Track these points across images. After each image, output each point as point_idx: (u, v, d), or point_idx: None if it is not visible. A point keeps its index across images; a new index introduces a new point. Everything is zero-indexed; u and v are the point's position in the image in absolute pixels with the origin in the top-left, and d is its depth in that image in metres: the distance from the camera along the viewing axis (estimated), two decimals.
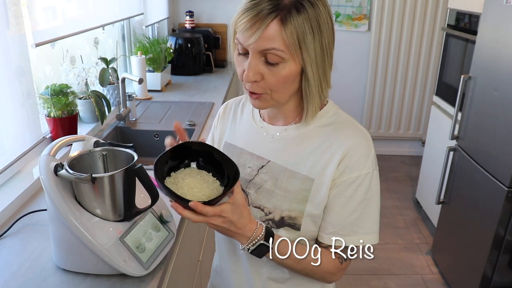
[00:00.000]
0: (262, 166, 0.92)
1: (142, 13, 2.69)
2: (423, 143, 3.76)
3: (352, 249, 0.87)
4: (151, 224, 1.08)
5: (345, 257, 0.87)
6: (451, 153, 2.37)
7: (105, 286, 0.98)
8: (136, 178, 1.01)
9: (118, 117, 1.98)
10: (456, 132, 2.32)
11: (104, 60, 2.07)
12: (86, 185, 0.97)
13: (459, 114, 2.31)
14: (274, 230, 0.89)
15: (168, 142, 0.91)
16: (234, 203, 0.80)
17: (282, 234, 0.89)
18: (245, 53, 0.80)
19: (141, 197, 1.05)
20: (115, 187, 0.99)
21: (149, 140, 2.04)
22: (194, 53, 3.08)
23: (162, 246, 1.08)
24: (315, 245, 0.88)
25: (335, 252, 0.87)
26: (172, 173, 0.87)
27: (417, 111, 3.90)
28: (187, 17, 3.36)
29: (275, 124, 0.93)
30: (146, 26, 2.80)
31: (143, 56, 2.48)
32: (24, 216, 1.24)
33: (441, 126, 2.75)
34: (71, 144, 1.09)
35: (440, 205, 2.52)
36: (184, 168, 0.88)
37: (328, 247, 0.88)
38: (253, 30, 0.75)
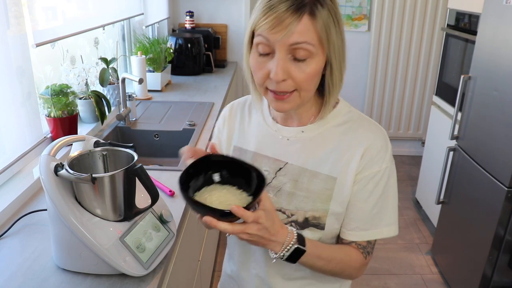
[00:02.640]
0: (280, 169, 0.91)
1: (142, 13, 2.70)
2: (423, 143, 3.76)
3: (373, 244, 0.91)
4: (151, 224, 1.08)
5: (369, 251, 0.91)
6: (451, 153, 2.37)
7: (105, 286, 0.98)
8: (136, 178, 1.01)
9: (118, 117, 1.98)
10: (456, 132, 2.32)
11: (104, 60, 2.07)
12: (86, 185, 0.97)
13: (459, 114, 2.32)
14: (298, 230, 0.89)
15: (186, 154, 0.86)
16: (266, 210, 0.77)
17: (307, 234, 0.89)
18: (268, 54, 0.79)
19: (141, 197, 1.05)
20: (115, 187, 0.99)
21: (149, 140, 2.04)
22: (194, 53, 3.08)
23: (162, 246, 1.08)
24: (342, 244, 0.92)
25: (359, 247, 0.90)
26: (197, 193, 0.83)
27: (417, 111, 3.91)
28: (187, 17, 3.37)
29: (290, 126, 0.92)
30: (146, 26, 2.80)
31: (143, 56, 2.49)
32: (24, 216, 1.24)
33: (441, 126, 2.75)
34: (71, 144, 1.09)
35: (440, 205, 2.52)
36: (207, 186, 0.84)
37: (351, 243, 0.90)
38: (285, 25, 0.74)
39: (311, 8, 0.75)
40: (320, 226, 0.89)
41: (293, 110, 0.87)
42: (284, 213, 0.91)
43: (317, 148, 0.89)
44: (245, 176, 0.83)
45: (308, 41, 0.75)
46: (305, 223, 0.89)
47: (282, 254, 0.81)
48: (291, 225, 0.90)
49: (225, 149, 1.01)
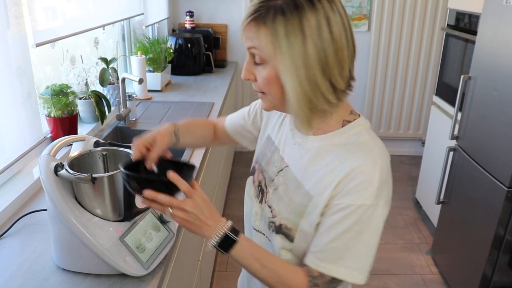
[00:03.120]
0: (281, 170, 0.92)
1: (142, 13, 2.70)
2: (423, 143, 3.76)
3: (327, 283, 0.82)
4: (151, 224, 1.08)
5: (317, 283, 0.82)
6: (451, 153, 2.37)
7: (105, 286, 0.98)
8: None
9: (118, 117, 1.98)
10: (456, 132, 2.32)
11: (104, 60, 2.07)
12: (86, 185, 0.97)
13: (459, 114, 2.32)
14: (274, 235, 0.90)
15: (136, 153, 0.91)
16: (201, 196, 0.82)
17: (278, 241, 0.89)
18: None
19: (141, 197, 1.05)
20: (115, 187, 0.99)
21: None
22: (194, 53, 3.08)
23: (162, 246, 1.08)
24: (288, 259, 0.88)
25: (309, 274, 0.82)
26: None
27: (417, 111, 3.91)
28: (187, 17, 3.37)
29: (300, 131, 0.91)
30: (146, 26, 2.80)
31: (143, 56, 2.49)
32: (24, 216, 1.24)
33: (441, 126, 2.75)
34: (71, 144, 1.09)
35: (440, 205, 2.52)
36: None
37: (303, 265, 0.84)
38: (241, 28, 0.79)
39: (264, 17, 0.75)
40: (289, 238, 0.88)
41: (281, 111, 0.89)
42: (271, 211, 0.91)
43: (311, 161, 0.86)
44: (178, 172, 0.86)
45: (255, 46, 0.77)
46: (279, 229, 0.89)
47: (213, 241, 0.81)
48: (271, 226, 0.90)
49: (261, 134, 1.04)
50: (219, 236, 0.81)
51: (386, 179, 0.80)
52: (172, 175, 0.78)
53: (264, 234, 0.95)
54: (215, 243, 0.82)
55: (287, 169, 0.91)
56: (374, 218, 0.80)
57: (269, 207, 0.92)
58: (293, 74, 0.76)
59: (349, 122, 0.86)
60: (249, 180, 1.03)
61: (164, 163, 0.91)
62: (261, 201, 0.96)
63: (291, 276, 0.83)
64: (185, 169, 0.88)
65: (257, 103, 1.08)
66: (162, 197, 0.79)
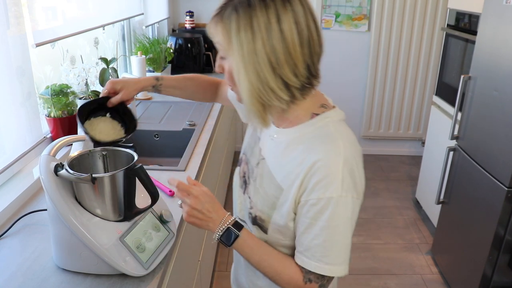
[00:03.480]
0: (259, 162, 0.95)
1: (142, 13, 2.70)
2: (423, 143, 3.76)
3: (319, 277, 0.84)
4: (151, 224, 1.08)
5: (311, 279, 0.85)
6: (451, 153, 2.37)
7: (105, 286, 0.98)
8: (136, 178, 1.01)
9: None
10: (456, 132, 2.33)
11: (104, 60, 2.07)
12: (86, 185, 0.97)
13: (459, 114, 2.32)
14: (251, 225, 0.95)
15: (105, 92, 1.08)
16: (206, 191, 0.89)
17: (254, 232, 0.94)
18: None
19: (141, 197, 1.05)
20: (115, 187, 0.99)
21: (149, 140, 2.04)
22: (194, 53, 3.08)
23: (162, 246, 1.08)
24: (287, 254, 0.90)
25: (303, 270, 0.85)
26: (92, 118, 1.09)
27: (417, 111, 3.91)
28: (187, 17, 3.37)
29: (273, 124, 0.93)
30: (146, 26, 2.80)
31: (143, 56, 2.49)
32: (24, 216, 1.24)
33: (441, 126, 2.75)
34: (71, 144, 1.09)
35: (440, 205, 2.52)
36: (102, 116, 1.12)
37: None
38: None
39: (222, 13, 0.80)
40: (263, 229, 0.92)
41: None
42: (250, 202, 0.95)
43: (282, 154, 0.88)
44: (130, 119, 1.14)
45: (216, 41, 0.83)
46: (255, 220, 0.94)
47: (217, 234, 0.87)
48: (249, 216, 0.95)
49: (249, 124, 1.07)
50: (223, 230, 0.87)
51: (352, 171, 0.81)
52: (171, 180, 0.89)
53: (247, 224, 0.99)
54: (218, 236, 0.87)
55: (263, 161, 0.93)
56: (347, 210, 0.81)
57: (249, 198, 0.96)
58: (243, 70, 0.78)
59: (317, 115, 0.87)
60: (236, 170, 1.07)
61: (119, 108, 1.12)
62: (244, 192, 1.00)
63: (287, 271, 0.87)
64: (128, 123, 1.11)
65: None
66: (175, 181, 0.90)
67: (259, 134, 0.99)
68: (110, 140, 1.07)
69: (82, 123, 1.06)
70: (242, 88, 0.81)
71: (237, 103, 1.13)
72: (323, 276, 0.84)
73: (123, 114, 1.15)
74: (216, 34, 0.81)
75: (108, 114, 1.12)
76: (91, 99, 1.10)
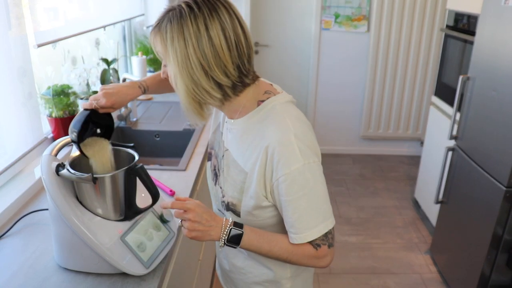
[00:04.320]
0: (223, 154, 1.02)
1: (143, 14, 2.70)
2: (422, 143, 3.77)
3: (322, 238, 0.92)
4: (152, 224, 1.09)
5: (318, 243, 0.92)
6: (450, 153, 2.38)
7: (106, 285, 0.99)
8: (137, 178, 1.02)
9: (119, 117, 1.99)
10: (454, 132, 2.33)
11: (105, 60, 2.08)
12: (87, 184, 0.98)
13: (458, 114, 2.32)
14: (225, 212, 1.02)
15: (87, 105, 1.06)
16: (199, 203, 0.93)
17: (229, 216, 1.00)
18: None
19: (142, 197, 1.06)
20: (116, 187, 1.00)
21: (150, 140, 2.05)
22: None
23: (163, 245, 1.09)
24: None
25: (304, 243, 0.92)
26: (87, 139, 1.06)
27: (416, 111, 3.91)
28: None
29: (228, 117, 1.01)
30: (147, 27, 2.80)
31: (144, 56, 2.49)
32: (25, 216, 1.25)
33: (439, 126, 2.76)
34: (72, 144, 1.10)
35: (439, 205, 2.53)
36: (92, 136, 1.08)
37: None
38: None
39: (158, 25, 0.88)
40: (236, 213, 0.99)
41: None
42: (222, 191, 1.02)
43: (240, 142, 0.97)
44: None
45: (157, 50, 0.91)
46: (228, 207, 1.00)
47: (223, 238, 0.91)
48: (222, 204, 1.02)
49: (213, 122, 1.14)
50: (226, 233, 0.91)
51: (304, 141, 0.89)
52: (163, 204, 0.93)
53: (222, 213, 1.06)
54: (224, 240, 0.92)
55: (227, 152, 1.01)
56: (313, 173, 0.89)
57: (220, 187, 1.03)
58: (179, 74, 0.86)
59: (263, 101, 0.95)
60: (208, 165, 1.14)
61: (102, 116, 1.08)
62: (215, 183, 1.07)
63: (299, 249, 0.93)
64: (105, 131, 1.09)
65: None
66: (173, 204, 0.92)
67: (221, 129, 1.06)
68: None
69: (81, 150, 1.03)
70: (179, 90, 0.89)
71: None
72: (324, 235, 0.92)
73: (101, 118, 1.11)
74: (155, 44, 0.89)
75: (98, 130, 1.09)
76: (80, 117, 1.03)
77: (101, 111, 1.07)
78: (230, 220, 0.93)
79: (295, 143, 0.87)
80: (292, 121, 0.91)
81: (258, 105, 0.95)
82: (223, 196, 1.02)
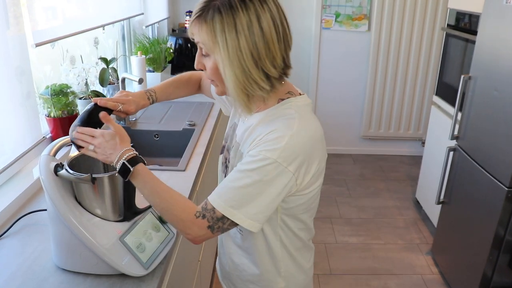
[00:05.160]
0: (234, 146, 1.03)
1: (142, 13, 2.70)
2: (423, 143, 3.76)
3: (221, 217, 0.87)
4: (151, 224, 1.08)
5: (204, 214, 0.88)
6: (451, 153, 2.37)
7: (105, 286, 0.98)
8: None
9: (118, 117, 1.98)
10: (456, 132, 2.32)
11: (104, 60, 2.07)
12: (86, 185, 0.97)
13: (459, 114, 2.32)
14: None
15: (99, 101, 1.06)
16: (112, 127, 0.96)
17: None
18: None
19: (141, 197, 1.05)
20: (115, 187, 0.99)
21: (149, 140, 2.04)
22: (194, 53, 3.08)
23: (162, 246, 1.08)
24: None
25: (200, 205, 0.90)
26: None
27: (417, 111, 3.91)
28: (187, 17, 3.36)
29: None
30: (146, 26, 2.80)
31: (143, 56, 2.48)
32: (24, 216, 1.24)
33: (441, 126, 2.75)
34: (71, 144, 1.09)
35: (440, 205, 2.52)
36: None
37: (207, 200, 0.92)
38: (189, 26, 0.91)
39: (205, 15, 0.86)
40: None
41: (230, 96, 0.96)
42: None
43: (249, 135, 0.97)
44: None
45: (200, 41, 0.89)
46: None
47: (116, 165, 0.92)
48: None
49: (232, 115, 1.14)
50: (118, 162, 0.92)
51: (297, 147, 0.87)
52: (102, 115, 0.98)
53: None
54: (116, 169, 0.93)
55: (237, 144, 1.02)
56: (277, 176, 0.86)
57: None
58: (229, 66, 0.86)
59: (283, 100, 0.96)
60: (220, 157, 1.13)
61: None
62: (225, 176, 1.06)
63: (180, 204, 0.91)
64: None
65: None
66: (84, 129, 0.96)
67: (236, 121, 1.08)
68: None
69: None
70: (228, 81, 0.88)
71: (217, 97, 1.21)
72: (221, 218, 0.87)
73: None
74: (199, 35, 0.88)
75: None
76: (86, 113, 1.05)
77: (115, 113, 1.08)
78: (131, 154, 0.92)
79: (285, 141, 0.86)
80: (301, 124, 0.90)
81: (278, 102, 0.96)
82: None
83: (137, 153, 0.95)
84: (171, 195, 0.92)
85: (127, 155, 0.92)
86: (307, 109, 0.96)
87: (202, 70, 0.95)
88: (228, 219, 0.87)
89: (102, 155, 0.94)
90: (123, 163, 0.91)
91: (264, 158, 0.86)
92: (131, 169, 0.91)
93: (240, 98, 0.90)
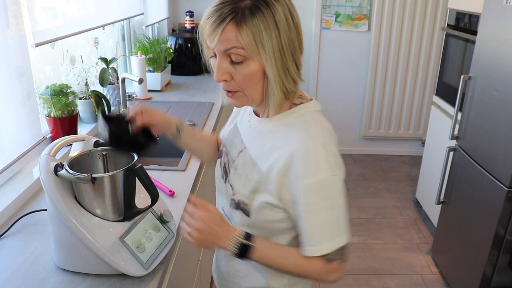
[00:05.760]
0: (241, 151, 0.99)
1: (142, 13, 2.70)
2: (423, 143, 3.76)
3: (337, 253, 0.88)
4: (151, 224, 1.08)
5: (330, 258, 0.89)
6: (451, 153, 2.37)
7: (105, 286, 0.98)
8: (136, 178, 1.01)
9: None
10: (456, 132, 2.32)
11: (104, 60, 2.07)
12: (86, 185, 0.97)
13: (459, 114, 2.31)
14: (234, 211, 0.98)
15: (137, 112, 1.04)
16: (213, 210, 0.91)
17: (238, 216, 0.97)
18: (215, 55, 0.87)
19: (141, 197, 1.05)
20: (115, 187, 0.99)
21: None
22: (194, 53, 3.08)
23: (162, 246, 1.08)
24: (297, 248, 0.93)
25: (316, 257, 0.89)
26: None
27: (417, 111, 3.90)
28: (187, 17, 3.36)
29: (259, 115, 0.99)
30: (146, 26, 2.80)
31: (143, 56, 2.48)
32: (24, 216, 1.24)
33: (441, 126, 2.75)
34: (71, 144, 1.09)
35: (440, 205, 2.52)
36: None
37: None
38: (214, 33, 0.82)
39: (238, 17, 0.80)
40: (246, 212, 0.95)
41: (254, 105, 0.95)
42: (232, 189, 0.99)
43: (263, 141, 0.94)
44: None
45: (236, 46, 0.81)
46: (238, 205, 0.97)
47: (232, 248, 0.89)
48: (231, 202, 0.99)
49: (230, 123, 1.13)
50: (236, 245, 0.89)
51: (331, 152, 0.87)
52: (195, 200, 0.91)
53: (225, 212, 1.04)
54: (234, 252, 0.89)
55: (245, 150, 0.98)
56: (338, 186, 0.87)
57: (231, 186, 1.00)
58: (274, 65, 0.83)
59: (296, 105, 0.93)
60: (218, 162, 1.10)
61: (143, 130, 1.05)
62: (225, 181, 1.03)
63: (310, 263, 0.90)
64: (151, 144, 1.05)
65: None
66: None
67: (239, 128, 1.05)
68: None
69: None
70: (273, 81, 0.84)
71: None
72: (339, 249, 0.89)
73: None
74: (239, 39, 0.81)
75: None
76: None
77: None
78: (242, 232, 0.90)
79: (323, 153, 0.85)
80: (322, 130, 0.89)
81: (290, 107, 0.93)
82: (233, 194, 0.99)
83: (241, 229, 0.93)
84: (297, 256, 0.91)
85: (242, 233, 0.90)
86: (321, 115, 0.94)
87: (226, 81, 0.87)
88: (343, 246, 0.89)
89: (205, 241, 0.90)
90: (241, 242, 0.89)
91: (320, 183, 0.84)
92: (253, 245, 0.89)
93: (279, 96, 0.87)
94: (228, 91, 0.89)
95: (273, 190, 0.89)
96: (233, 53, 0.82)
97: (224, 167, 1.05)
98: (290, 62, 0.85)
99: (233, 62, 0.84)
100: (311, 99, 0.96)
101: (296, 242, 0.95)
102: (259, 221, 0.94)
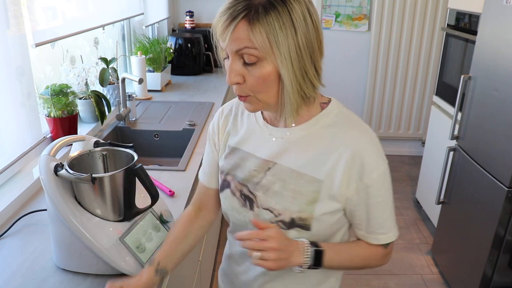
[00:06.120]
0: (269, 168, 0.91)
1: (142, 13, 2.70)
2: (423, 143, 3.76)
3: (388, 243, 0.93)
4: (151, 224, 1.08)
5: (387, 244, 0.93)
6: (451, 153, 2.37)
7: (105, 286, 0.98)
8: (136, 178, 1.01)
9: (118, 117, 1.98)
10: (456, 132, 2.32)
11: (104, 60, 2.07)
12: (86, 185, 0.97)
13: (459, 114, 2.31)
14: (285, 231, 0.89)
15: None
16: (275, 226, 0.87)
17: (293, 234, 0.89)
18: (228, 57, 0.81)
19: (141, 197, 1.05)
20: (115, 187, 0.99)
21: (149, 140, 2.04)
22: (194, 53, 3.08)
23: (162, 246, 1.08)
24: (357, 239, 0.95)
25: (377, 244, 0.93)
26: None
27: (417, 111, 3.90)
28: (187, 17, 3.37)
29: (277, 126, 0.92)
30: (146, 26, 2.80)
31: (143, 56, 2.48)
32: (24, 216, 1.24)
33: (441, 126, 2.75)
34: (71, 144, 1.09)
35: (440, 205, 2.52)
36: None
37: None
38: (226, 32, 0.77)
39: (251, 15, 0.74)
40: (305, 227, 0.88)
41: (269, 110, 0.88)
42: (272, 212, 0.90)
43: (305, 150, 0.88)
44: None
45: (249, 46, 0.76)
46: (292, 223, 0.89)
47: (306, 259, 0.85)
48: (278, 224, 0.90)
49: (222, 149, 1.02)
50: (309, 255, 0.86)
51: (378, 142, 0.89)
52: (257, 221, 0.84)
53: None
54: (308, 263, 0.86)
55: (277, 166, 0.90)
56: (389, 176, 0.89)
57: (267, 209, 0.91)
58: (291, 67, 0.77)
59: (326, 103, 0.91)
60: (226, 194, 0.98)
61: None
62: (252, 208, 0.93)
63: (376, 251, 0.93)
64: None
65: (209, 134, 1.07)
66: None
67: (247, 150, 0.95)
68: None
69: None
70: (289, 84, 0.79)
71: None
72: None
73: None
74: (249, 38, 0.75)
75: None
76: None
77: None
78: (305, 241, 0.86)
79: (378, 145, 0.87)
80: (363, 123, 0.90)
81: (322, 108, 0.89)
82: (276, 216, 0.90)
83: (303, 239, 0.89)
84: (359, 249, 0.94)
85: (307, 242, 0.87)
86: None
87: (239, 83, 0.81)
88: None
89: (285, 255, 0.83)
90: (315, 250, 0.86)
91: (383, 173, 0.87)
92: (324, 249, 0.87)
93: (296, 101, 0.81)
94: (240, 96, 0.84)
95: (338, 194, 0.86)
96: (245, 53, 0.77)
97: (243, 195, 0.95)
98: (309, 64, 0.79)
99: (246, 64, 0.79)
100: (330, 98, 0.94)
101: (346, 237, 0.97)
102: (322, 230, 0.90)
